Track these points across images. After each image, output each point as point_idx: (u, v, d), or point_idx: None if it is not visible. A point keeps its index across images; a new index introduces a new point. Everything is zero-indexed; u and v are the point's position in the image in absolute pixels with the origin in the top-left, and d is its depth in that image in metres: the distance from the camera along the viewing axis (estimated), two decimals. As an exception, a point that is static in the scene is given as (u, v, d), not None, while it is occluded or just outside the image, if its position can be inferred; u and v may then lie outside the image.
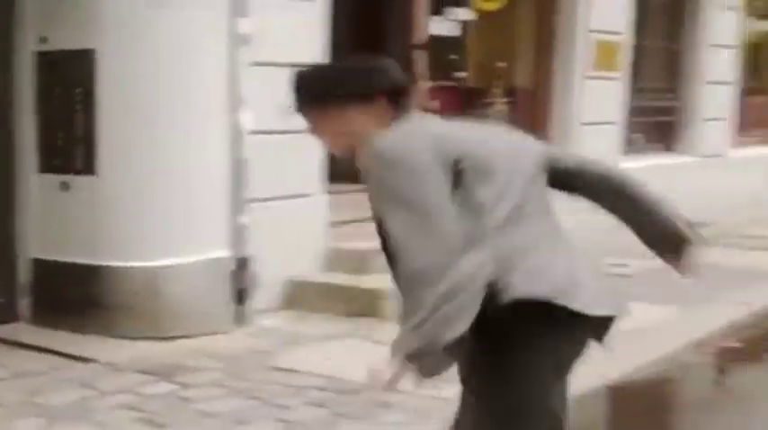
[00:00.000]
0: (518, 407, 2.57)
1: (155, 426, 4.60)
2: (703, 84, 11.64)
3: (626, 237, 3.12)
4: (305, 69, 2.80)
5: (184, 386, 5.17)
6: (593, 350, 2.72)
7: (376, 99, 2.66)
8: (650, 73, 11.27)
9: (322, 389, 5.14)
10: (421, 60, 8.02)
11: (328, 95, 2.69)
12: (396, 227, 2.41)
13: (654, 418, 5.24)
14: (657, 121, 11.41)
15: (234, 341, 6.01)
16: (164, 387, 5.15)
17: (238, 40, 6.08)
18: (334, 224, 7.10)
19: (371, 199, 2.57)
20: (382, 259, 7.29)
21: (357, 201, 7.55)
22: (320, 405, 4.91)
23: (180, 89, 5.85)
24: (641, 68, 10.78)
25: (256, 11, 6.16)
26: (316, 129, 2.77)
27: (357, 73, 2.74)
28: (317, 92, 2.72)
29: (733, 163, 11.72)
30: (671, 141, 11.59)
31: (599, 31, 9.54)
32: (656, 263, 3.05)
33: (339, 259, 6.99)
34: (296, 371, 5.44)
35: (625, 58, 10.05)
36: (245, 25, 6.10)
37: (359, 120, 2.67)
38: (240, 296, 6.21)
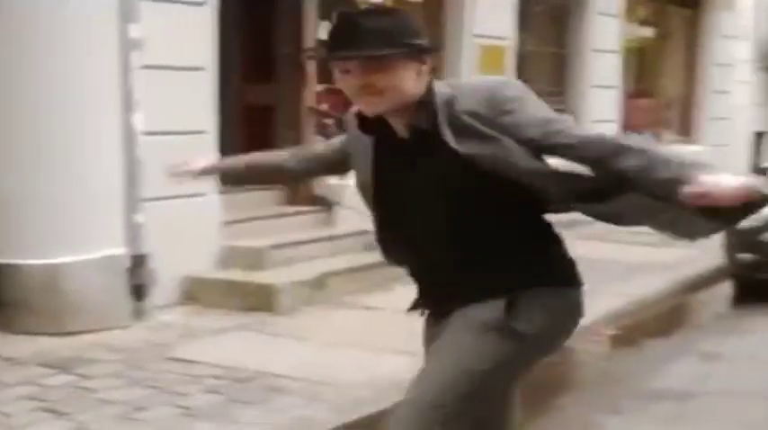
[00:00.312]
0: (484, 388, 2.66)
1: (57, 415, 4.90)
2: (588, 87, 12.33)
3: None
4: (364, 10, 2.76)
5: (84, 377, 5.48)
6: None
7: (427, 61, 2.59)
8: (537, 77, 11.89)
9: (218, 377, 5.50)
10: (310, 64, 8.44)
11: (411, 46, 2.52)
12: (574, 128, 2.51)
13: (537, 397, 5.74)
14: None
15: (132, 335, 6.34)
16: (64, 378, 5.45)
17: (129, 45, 6.43)
18: (227, 223, 7.48)
19: (470, 141, 2.52)
20: (275, 255, 7.76)
21: (249, 200, 8.03)
22: (216, 392, 5.27)
23: (72, 91, 6.18)
24: (527, 72, 11.41)
25: (146, 16, 6.51)
26: (367, 82, 2.52)
27: (417, 27, 2.62)
28: (398, 38, 2.50)
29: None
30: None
31: (484, 36, 10.11)
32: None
33: (233, 256, 7.38)
34: (193, 361, 5.79)
35: (510, 62, 10.65)
36: (134, 30, 6.45)
37: (414, 77, 2.54)
38: (137, 292, 6.54)
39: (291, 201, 8.46)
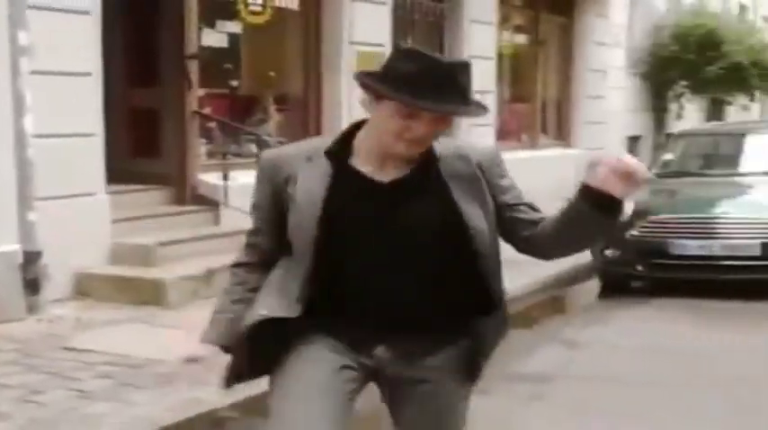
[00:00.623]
0: None
1: None
2: (466, 92, 13.13)
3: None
4: (462, 62, 2.72)
5: None
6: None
7: None
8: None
9: (111, 364, 6.02)
10: (193, 69, 9.01)
11: (479, 103, 2.71)
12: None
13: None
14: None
15: (27, 327, 6.81)
16: None
17: (18, 51, 6.92)
18: (117, 221, 7.99)
19: (474, 192, 2.74)
20: (163, 252, 8.35)
21: (137, 199, 8.53)
22: (109, 377, 5.79)
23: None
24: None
25: (34, 24, 7.01)
26: (428, 130, 2.65)
27: None
28: (470, 99, 2.67)
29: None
30: (438, 145, 13.02)
31: (361, 44, 10.82)
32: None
33: (123, 253, 7.89)
34: (86, 350, 6.31)
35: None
36: (23, 37, 6.94)
37: None
38: (31, 286, 7.02)
39: (177, 200, 9.01)
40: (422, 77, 2.55)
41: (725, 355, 6.79)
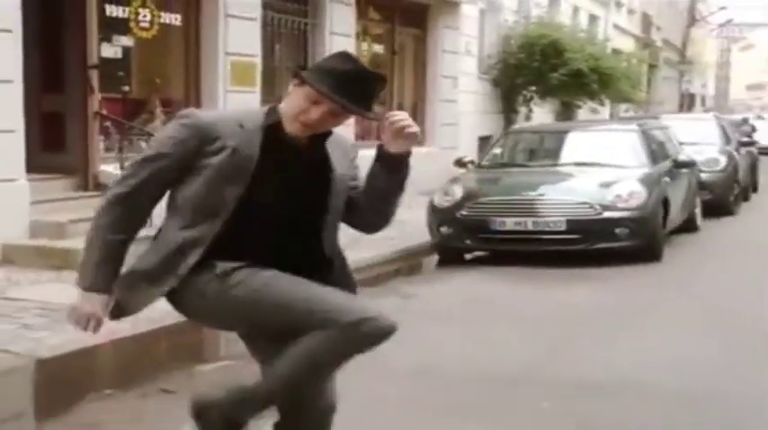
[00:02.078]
0: None
1: None
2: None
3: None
4: (379, 74, 3.48)
5: None
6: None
7: None
8: (281, 88, 14.83)
9: (42, 308, 8.00)
10: (93, 77, 11.01)
11: (371, 110, 3.48)
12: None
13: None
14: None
15: (-33, 286, 8.75)
16: None
17: (-41, 62, 8.87)
18: (35, 202, 9.96)
19: (347, 165, 3.55)
20: (74, 228, 10.61)
21: (51, 186, 10.48)
22: (42, 316, 7.77)
23: None
24: (273, 84, 14.35)
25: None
26: (327, 121, 3.38)
27: None
28: (371, 105, 3.44)
29: (358, 161, 15.48)
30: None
31: (235, 54, 12.95)
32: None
33: (41, 228, 9.87)
34: (21, 299, 8.29)
35: (258, 76, 13.51)
36: (-38, 51, 8.90)
37: None
38: (-31, 254, 8.96)
39: (82, 187, 11.00)
40: (346, 79, 3.30)
41: (528, 303, 9.02)
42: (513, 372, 6.25)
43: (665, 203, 11.33)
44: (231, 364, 6.61)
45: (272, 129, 3.36)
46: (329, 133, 3.46)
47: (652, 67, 45.83)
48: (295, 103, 3.35)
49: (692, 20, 56.86)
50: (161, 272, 3.36)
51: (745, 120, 25.33)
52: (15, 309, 7.96)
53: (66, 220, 10.02)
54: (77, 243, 9.65)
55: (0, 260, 9.49)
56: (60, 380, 6.33)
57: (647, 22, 42.27)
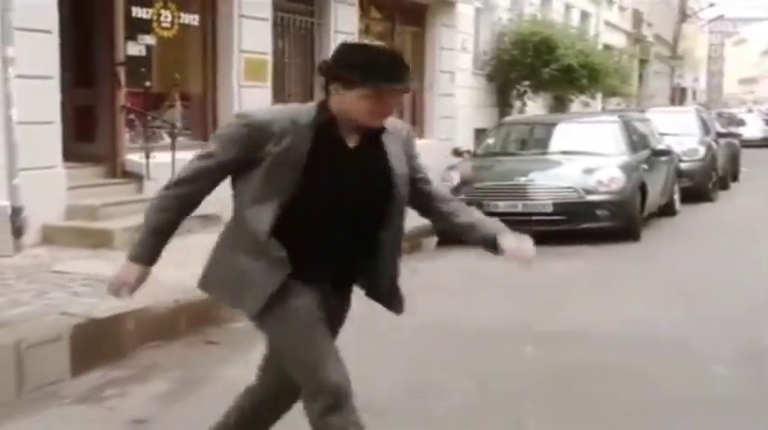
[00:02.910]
0: None
1: None
2: (333, 91, 16.31)
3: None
4: (398, 51, 3.81)
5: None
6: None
7: None
8: (291, 82, 15.85)
9: (87, 279, 8.95)
10: (121, 73, 11.98)
11: None
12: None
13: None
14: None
15: (18, 261, 9.69)
16: None
17: (7, 61, 9.82)
18: (71, 188, 10.93)
19: (408, 157, 3.74)
20: (105, 211, 11.62)
21: (82, 173, 11.46)
22: (88, 286, 8.73)
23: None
24: (284, 79, 15.34)
25: (17, 41, 9.91)
26: (392, 107, 3.59)
27: None
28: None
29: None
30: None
31: (248, 52, 13.93)
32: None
33: (76, 211, 10.84)
34: (67, 272, 9.24)
35: (269, 71, 14.49)
36: (10, 51, 9.84)
37: None
38: (17, 232, 9.91)
39: (110, 175, 11.97)
40: (386, 65, 3.51)
41: (518, 275, 9.91)
42: (503, 327, 7.26)
43: (643, 188, 12.35)
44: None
45: (324, 126, 3.54)
46: (382, 129, 3.62)
47: (643, 62, 46.85)
48: (355, 105, 3.49)
49: (684, 16, 57.89)
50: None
51: (720, 114, 26.35)
52: (64, 280, 8.91)
53: (99, 204, 11.00)
54: (110, 224, 10.77)
55: (41, 240, 10.44)
56: (116, 335, 7.32)
57: (638, 18, 43.23)
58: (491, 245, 3.69)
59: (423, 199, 3.80)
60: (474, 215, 3.83)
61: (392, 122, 3.68)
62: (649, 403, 5.39)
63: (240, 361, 6.44)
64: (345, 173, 3.55)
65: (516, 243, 3.64)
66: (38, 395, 5.99)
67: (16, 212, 9.93)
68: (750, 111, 58.64)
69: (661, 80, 52.53)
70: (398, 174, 3.62)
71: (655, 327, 7.23)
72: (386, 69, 3.46)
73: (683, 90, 61.97)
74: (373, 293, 3.80)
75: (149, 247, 3.74)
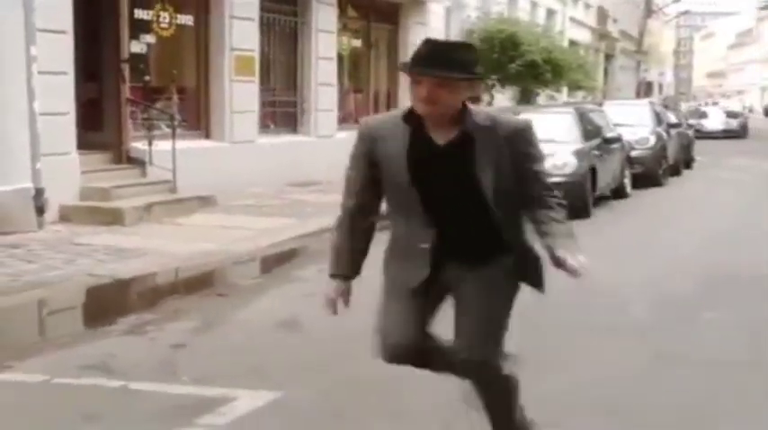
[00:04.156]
0: None
1: (28, 261, 9.55)
2: (315, 85, 17.69)
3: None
4: (449, 41, 4.03)
5: (28, 250, 10.12)
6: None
7: (478, 84, 3.85)
8: (277, 78, 17.20)
9: (108, 248, 10.27)
10: (125, 69, 13.29)
11: (473, 73, 3.75)
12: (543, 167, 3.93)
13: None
14: (284, 111, 17.43)
15: (42, 235, 11.00)
16: (14, 251, 10.07)
17: (31, 59, 11.11)
18: (84, 172, 12.24)
19: (498, 149, 3.75)
20: (116, 192, 12.92)
21: (92, 159, 12.83)
22: (109, 254, 10.04)
23: (4, 86, 10.84)
24: (270, 74, 16.68)
25: (39, 41, 11.21)
26: (433, 93, 3.66)
27: (478, 59, 3.86)
28: (468, 67, 3.71)
29: (338, 141, 17.80)
30: (294, 125, 17.61)
31: (238, 49, 15.26)
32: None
33: (90, 192, 12.16)
34: (88, 244, 10.56)
35: (257, 67, 15.82)
36: (33, 50, 11.14)
37: (465, 96, 3.76)
38: (39, 211, 11.22)
39: (116, 161, 13.29)
40: (423, 54, 3.70)
41: None
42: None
43: (594, 172, 13.79)
44: (262, 281, 9.10)
45: (411, 118, 3.77)
46: (468, 118, 3.76)
47: (609, 57, 48.43)
48: (411, 92, 3.76)
49: (649, 12, 59.50)
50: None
51: (666, 106, 27.88)
52: (87, 250, 10.24)
53: (110, 186, 12.33)
54: (120, 204, 12.17)
55: (59, 218, 11.75)
56: (140, 291, 8.70)
57: (603, 14, 44.78)
58: (551, 255, 3.85)
59: (521, 195, 3.87)
60: (552, 227, 3.86)
61: (492, 117, 3.85)
62: (576, 321, 6.79)
63: (246, 308, 7.88)
64: (430, 159, 3.78)
65: (569, 258, 3.78)
66: (90, 331, 7.37)
67: (39, 193, 11.25)
68: (715, 103, 60.40)
69: (627, 74, 54.11)
70: (484, 168, 3.76)
71: (591, 278, 8.65)
72: (423, 58, 3.69)
73: (649, 84, 63.67)
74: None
75: (340, 265, 4.04)
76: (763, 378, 5.76)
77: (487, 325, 3.90)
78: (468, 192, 3.76)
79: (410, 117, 3.76)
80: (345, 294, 4.02)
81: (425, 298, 3.90)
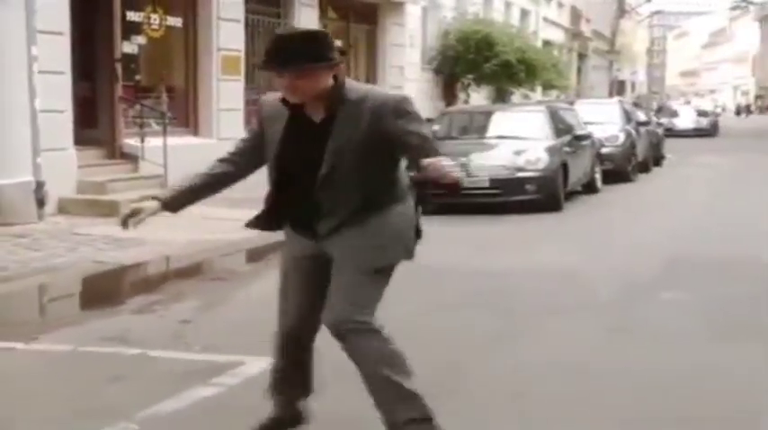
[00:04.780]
0: None
1: (34, 249, 10.20)
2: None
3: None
4: (294, 33, 4.06)
5: (33, 239, 10.76)
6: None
7: (338, 65, 3.98)
8: (262, 77, 17.81)
9: (106, 238, 10.86)
10: (118, 69, 13.93)
11: (323, 59, 3.89)
12: (423, 128, 4.06)
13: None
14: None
15: (42, 226, 11.64)
16: (19, 240, 10.71)
17: (32, 59, 11.75)
18: (80, 167, 12.89)
19: (384, 121, 3.90)
20: (110, 186, 13.63)
21: (87, 154, 13.49)
22: (108, 243, 10.65)
23: (8, 84, 11.47)
24: (256, 74, 17.32)
25: (40, 42, 11.84)
26: (292, 84, 3.88)
27: (332, 43, 4.01)
28: (313, 56, 3.87)
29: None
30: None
31: (225, 50, 15.93)
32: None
33: (86, 186, 12.80)
34: (87, 234, 11.21)
35: (242, 67, 16.50)
36: (34, 50, 11.78)
37: (328, 79, 3.94)
38: (40, 203, 11.86)
39: (110, 156, 13.94)
40: (273, 50, 3.93)
41: (464, 235, 12.05)
42: (449, 265, 9.30)
43: (565, 167, 14.54)
44: (257, 267, 9.83)
45: (285, 102, 4.04)
46: (337, 95, 3.96)
47: (582, 56, 49.32)
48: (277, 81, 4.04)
49: (622, 12, 60.51)
50: None
51: (636, 105, 28.71)
52: (87, 239, 10.89)
53: (105, 180, 12.98)
54: (116, 196, 12.81)
55: (57, 210, 12.40)
56: (144, 276, 9.40)
57: (576, 14, 45.62)
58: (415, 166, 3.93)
59: (405, 153, 4.06)
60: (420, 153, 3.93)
61: (366, 92, 4.05)
62: (545, 304, 7.53)
63: (245, 290, 8.60)
64: (294, 139, 4.05)
65: (434, 163, 3.79)
66: (102, 310, 8.06)
67: (39, 186, 11.90)
68: (688, 102, 61.46)
69: (600, 74, 55.04)
70: (341, 140, 3.97)
71: (560, 265, 9.38)
72: (273, 53, 3.95)
73: (622, 83, 64.65)
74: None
75: (165, 190, 4.50)
76: (714, 347, 6.48)
77: (345, 291, 4.07)
78: (315, 165, 3.99)
79: (290, 106, 4.03)
80: (142, 215, 4.31)
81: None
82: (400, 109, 3.98)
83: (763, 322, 7.18)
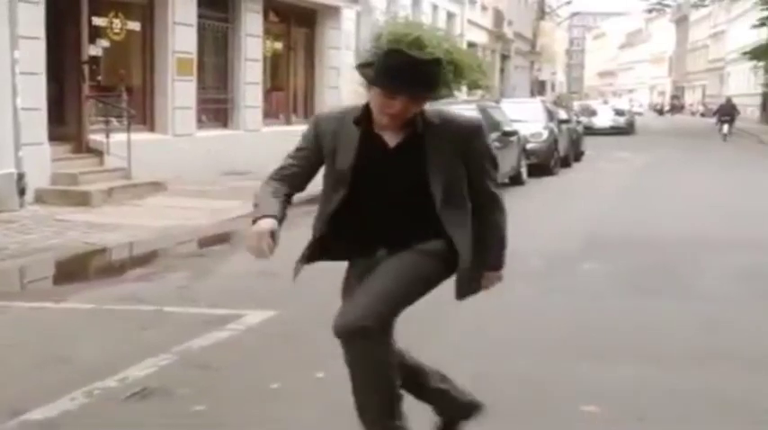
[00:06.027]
0: None
1: (24, 233, 11.41)
2: (243, 84, 19.68)
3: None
4: (426, 59, 3.91)
5: (21, 224, 11.96)
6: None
7: None
8: (210, 77, 19.15)
9: (87, 224, 12.14)
10: (85, 70, 15.14)
11: (438, 88, 3.94)
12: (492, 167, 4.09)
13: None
14: (217, 107, 19.41)
15: (24, 214, 12.82)
16: (9, 225, 11.89)
17: (15, 61, 12.94)
18: (54, 160, 14.09)
19: (451, 150, 3.92)
20: (82, 178, 14.97)
21: (59, 149, 14.77)
22: (91, 228, 11.89)
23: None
24: (205, 75, 18.63)
25: (22, 46, 13.04)
26: (405, 108, 3.80)
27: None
28: (438, 83, 3.91)
29: (263, 134, 19.82)
30: (225, 120, 19.60)
31: (179, 52, 17.21)
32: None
33: (60, 178, 14.01)
34: (67, 220, 12.43)
35: (194, 68, 17.77)
36: (17, 54, 12.97)
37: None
38: (21, 193, 13.06)
39: (77, 150, 15.14)
40: (396, 69, 3.77)
41: None
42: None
43: (494, 161, 16.07)
44: (229, 247, 11.19)
45: (362, 120, 3.93)
46: (419, 119, 3.89)
47: (505, 57, 51.16)
48: (375, 100, 3.85)
49: (542, 14, 62.57)
50: None
51: (556, 103, 30.47)
52: (70, 225, 12.11)
53: (77, 172, 14.20)
54: (88, 187, 14.06)
55: (34, 200, 13.59)
56: (133, 254, 10.71)
57: (499, 17, 47.42)
58: (475, 268, 4.40)
59: (471, 193, 4.08)
60: (486, 241, 4.36)
61: (443, 115, 4.01)
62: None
63: (226, 264, 9.96)
64: (377, 162, 3.94)
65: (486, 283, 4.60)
66: (107, 280, 9.37)
67: (20, 177, 13.10)
68: (606, 102, 63.64)
69: (522, 74, 56.95)
70: (438, 166, 3.92)
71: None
72: (397, 73, 3.77)
73: (542, 83, 66.64)
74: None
75: (263, 209, 3.99)
76: (624, 301, 8.07)
77: (371, 296, 4.01)
78: (415, 190, 3.94)
79: (361, 119, 3.94)
80: (271, 235, 3.86)
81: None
82: (482, 139, 4.07)
83: (661, 285, 8.89)
